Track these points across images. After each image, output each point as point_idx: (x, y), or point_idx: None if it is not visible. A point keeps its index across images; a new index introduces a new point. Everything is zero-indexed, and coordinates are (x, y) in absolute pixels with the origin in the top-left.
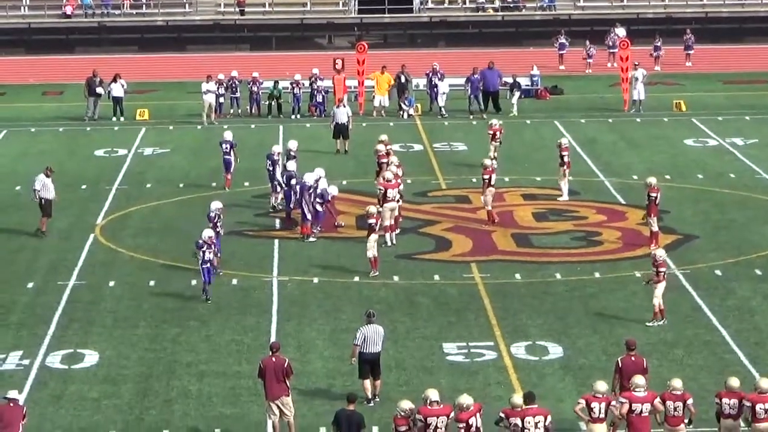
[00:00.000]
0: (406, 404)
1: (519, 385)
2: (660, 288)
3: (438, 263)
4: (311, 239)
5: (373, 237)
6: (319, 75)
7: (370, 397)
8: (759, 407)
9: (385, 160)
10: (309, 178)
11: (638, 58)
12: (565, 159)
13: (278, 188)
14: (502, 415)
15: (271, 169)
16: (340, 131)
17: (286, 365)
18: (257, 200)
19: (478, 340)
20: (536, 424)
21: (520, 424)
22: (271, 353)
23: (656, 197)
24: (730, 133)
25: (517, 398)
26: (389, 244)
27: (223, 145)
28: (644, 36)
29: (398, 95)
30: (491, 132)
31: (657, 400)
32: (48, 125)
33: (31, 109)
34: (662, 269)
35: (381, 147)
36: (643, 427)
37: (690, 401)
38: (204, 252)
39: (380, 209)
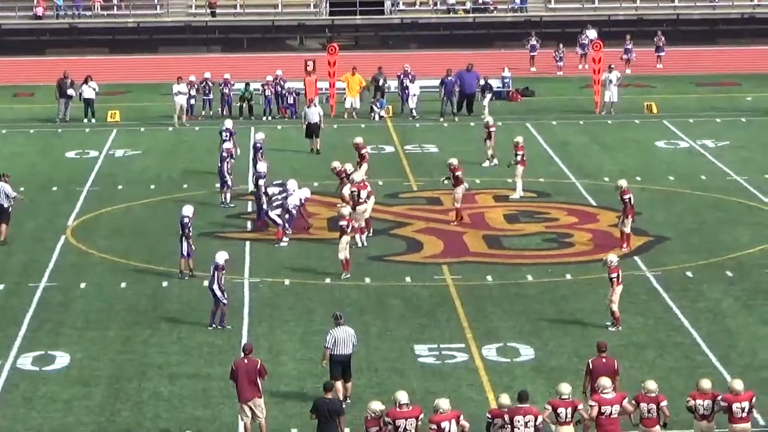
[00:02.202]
0: (377, 405)
1: (490, 387)
2: (617, 293)
3: (409, 265)
4: (283, 244)
5: (345, 239)
6: (282, 76)
7: (341, 398)
8: (735, 407)
9: (344, 175)
10: (293, 185)
11: (609, 59)
12: (518, 157)
13: (226, 185)
14: (489, 416)
15: (220, 165)
16: (312, 131)
17: (258, 367)
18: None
19: (449, 342)
20: (526, 423)
21: (508, 421)
22: (243, 355)
23: (630, 198)
24: (701, 135)
25: (505, 398)
26: (359, 245)
27: (223, 134)
28: (615, 38)
29: (374, 96)
30: (488, 130)
31: (626, 401)
32: (19, 127)
33: (1, 110)
34: (614, 274)
35: (337, 164)
36: (612, 429)
37: (664, 403)
38: (223, 275)
39: (352, 211)
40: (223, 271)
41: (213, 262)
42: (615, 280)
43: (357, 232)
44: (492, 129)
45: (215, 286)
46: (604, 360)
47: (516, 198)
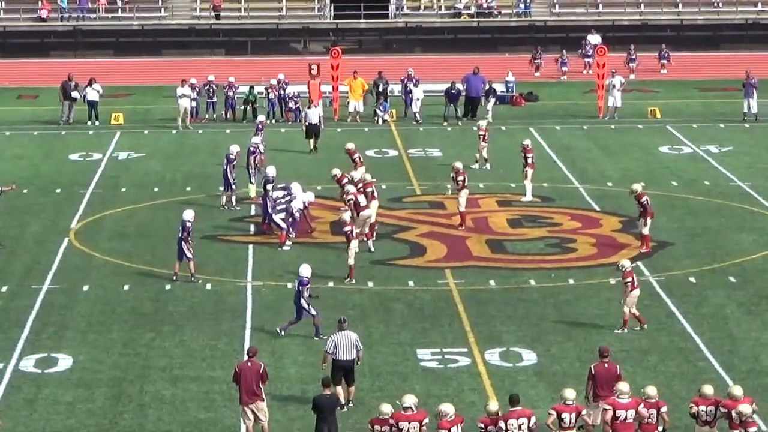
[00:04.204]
0: (387, 408)
1: (493, 392)
2: (633, 296)
3: (412, 269)
4: (286, 247)
5: (354, 244)
6: (285, 80)
7: (343, 402)
8: (735, 412)
9: (345, 181)
10: (297, 188)
11: (613, 65)
12: (529, 160)
13: (230, 188)
14: (481, 425)
15: (225, 167)
16: (313, 131)
17: (261, 370)
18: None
19: (452, 346)
20: (519, 426)
21: (503, 427)
22: (247, 358)
23: (647, 200)
24: (704, 141)
25: (493, 405)
26: (372, 250)
27: (259, 125)
28: (619, 43)
29: (376, 100)
30: (481, 133)
31: (641, 407)
32: (23, 129)
33: (6, 112)
34: (628, 279)
35: (337, 171)
36: None
37: (664, 409)
38: (307, 289)
39: (355, 216)
40: (308, 286)
41: (298, 276)
42: (630, 284)
43: (360, 237)
44: (482, 132)
45: (302, 301)
46: (606, 365)
47: (527, 200)
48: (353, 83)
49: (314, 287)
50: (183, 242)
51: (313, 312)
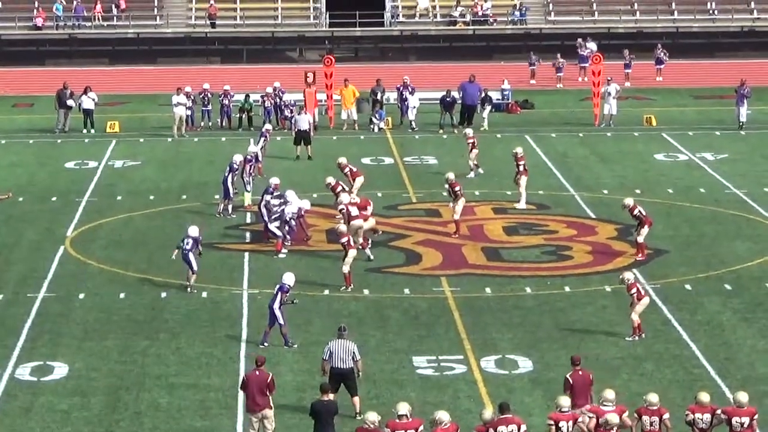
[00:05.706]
0: (373, 416)
1: (488, 399)
2: (643, 304)
3: (408, 277)
4: (281, 255)
5: (352, 253)
6: (281, 88)
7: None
8: (735, 420)
9: (339, 189)
10: (292, 195)
11: (609, 72)
12: (522, 167)
13: (228, 196)
14: None
15: (226, 175)
16: (302, 137)
17: (269, 380)
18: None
19: (447, 354)
20: None
21: None
22: (255, 367)
23: (641, 211)
24: (700, 148)
25: (488, 413)
26: (371, 258)
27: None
28: (615, 50)
29: (372, 108)
30: (470, 141)
31: (625, 415)
32: (18, 137)
33: (1, 120)
34: (633, 291)
35: (331, 179)
36: None
37: (666, 416)
38: (286, 297)
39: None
40: (288, 294)
41: (280, 282)
42: (636, 295)
43: (355, 247)
44: (470, 140)
45: (275, 306)
46: (580, 373)
47: (522, 208)
48: (344, 91)
49: (310, 295)
50: (191, 253)
51: (281, 321)
